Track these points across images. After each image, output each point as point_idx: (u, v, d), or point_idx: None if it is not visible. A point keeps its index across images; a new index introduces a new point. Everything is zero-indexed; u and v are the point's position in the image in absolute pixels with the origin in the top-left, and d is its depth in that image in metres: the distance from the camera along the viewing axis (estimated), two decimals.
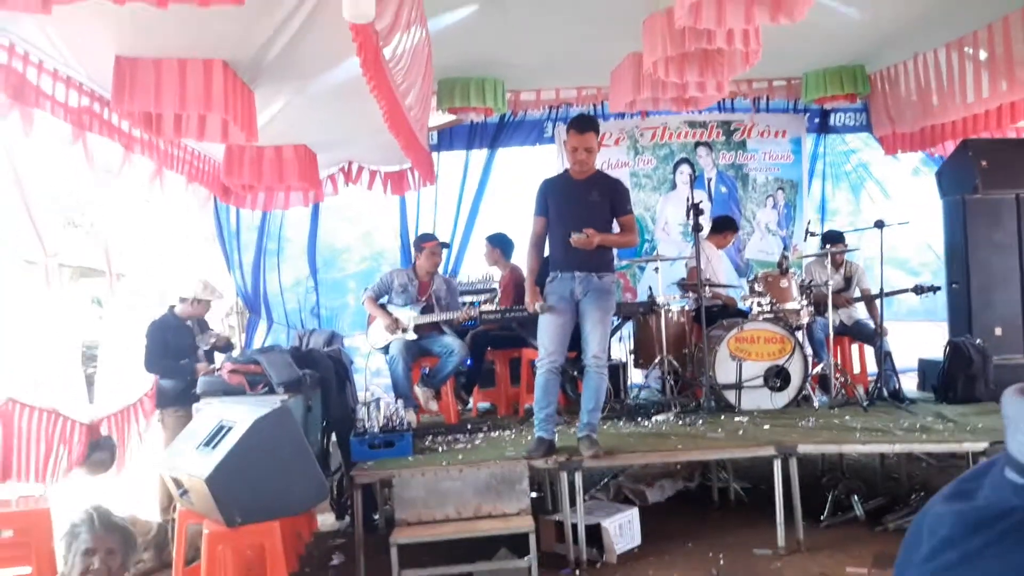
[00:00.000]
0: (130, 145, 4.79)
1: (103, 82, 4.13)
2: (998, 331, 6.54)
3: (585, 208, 4.77)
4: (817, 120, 8.50)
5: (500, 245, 7.12)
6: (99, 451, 4.73)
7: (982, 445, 4.56)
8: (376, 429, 4.90)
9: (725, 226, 7.27)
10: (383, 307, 6.31)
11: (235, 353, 5.74)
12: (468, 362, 6.47)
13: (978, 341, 6.15)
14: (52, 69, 3.96)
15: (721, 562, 4.48)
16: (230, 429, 3.88)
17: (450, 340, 6.07)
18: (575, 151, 4.74)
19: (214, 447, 3.83)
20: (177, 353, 5.43)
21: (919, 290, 6.39)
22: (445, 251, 6.73)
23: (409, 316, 6.19)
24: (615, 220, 4.90)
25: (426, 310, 6.24)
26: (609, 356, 5.69)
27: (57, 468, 4.42)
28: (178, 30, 3.82)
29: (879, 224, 5.92)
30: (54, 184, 5.09)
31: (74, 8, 3.02)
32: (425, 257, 6.40)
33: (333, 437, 5.42)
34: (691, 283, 6.62)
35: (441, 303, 6.34)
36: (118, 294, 5.12)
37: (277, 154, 5.77)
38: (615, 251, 5.14)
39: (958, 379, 6.03)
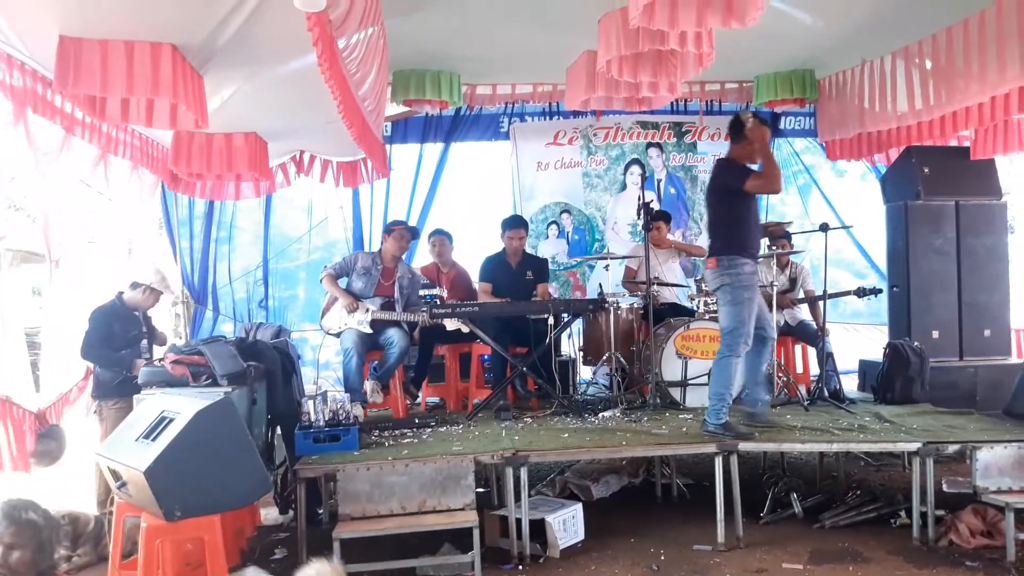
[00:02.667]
0: (72, 128, 4.67)
1: (46, 62, 4.02)
2: (935, 334, 6.74)
3: None
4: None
5: (451, 241, 7.14)
6: (48, 440, 4.62)
7: (915, 445, 4.69)
8: (322, 423, 4.86)
9: (656, 218, 7.29)
10: (342, 288, 6.24)
11: (179, 342, 5.65)
12: (410, 354, 6.44)
13: (916, 344, 6.32)
14: None
15: (662, 557, 4.54)
16: (171, 421, 3.81)
17: (394, 333, 6.04)
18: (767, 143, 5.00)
19: (154, 439, 3.75)
20: (122, 343, 5.31)
21: (861, 292, 6.55)
22: (413, 240, 6.67)
23: (368, 308, 6.12)
24: None
25: (386, 306, 6.19)
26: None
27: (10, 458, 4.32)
28: (125, 10, 3.74)
29: (824, 227, 6.04)
30: None
31: None
32: (393, 240, 6.37)
33: (278, 430, 5.36)
34: (638, 282, 6.70)
35: (404, 291, 6.30)
36: (56, 280, 4.98)
37: (227, 142, 5.67)
38: None
39: (896, 380, 6.19)
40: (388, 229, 6.56)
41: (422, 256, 7.98)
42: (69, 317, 5.25)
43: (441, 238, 7.14)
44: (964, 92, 5.65)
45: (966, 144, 7.14)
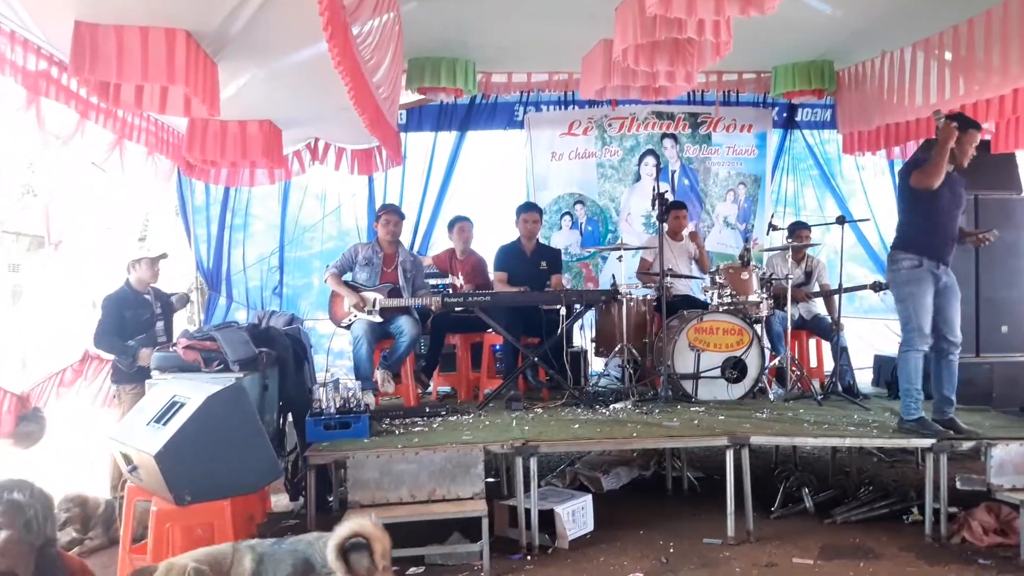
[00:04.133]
0: (87, 112, 4.69)
1: (62, 47, 4.02)
2: None
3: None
4: (785, 115, 8.59)
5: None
6: (27, 423, 4.64)
7: (929, 442, 4.64)
8: (333, 410, 4.87)
9: (671, 207, 7.23)
10: (347, 284, 6.23)
11: (192, 328, 5.67)
12: (421, 341, 6.43)
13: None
14: (9, 31, 3.86)
15: (671, 550, 4.52)
16: (182, 405, 3.84)
17: (403, 321, 6.03)
18: (968, 148, 4.86)
19: (165, 423, 3.79)
20: (134, 328, 5.34)
21: (877, 287, 6.49)
22: (402, 220, 6.62)
23: (376, 297, 6.12)
24: None
25: (393, 292, 6.17)
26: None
27: None
28: None
29: (840, 220, 5.98)
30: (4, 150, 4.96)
31: None
32: (381, 226, 6.36)
33: (290, 417, 5.37)
34: (651, 273, 6.67)
35: (407, 275, 6.28)
36: (55, 261, 5.00)
37: (241, 129, 5.67)
38: None
39: None
40: (376, 216, 6.53)
41: (437, 244, 7.99)
42: (67, 300, 5.28)
43: (467, 223, 7.09)
44: (985, 84, 5.57)
45: (987, 137, 7.05)
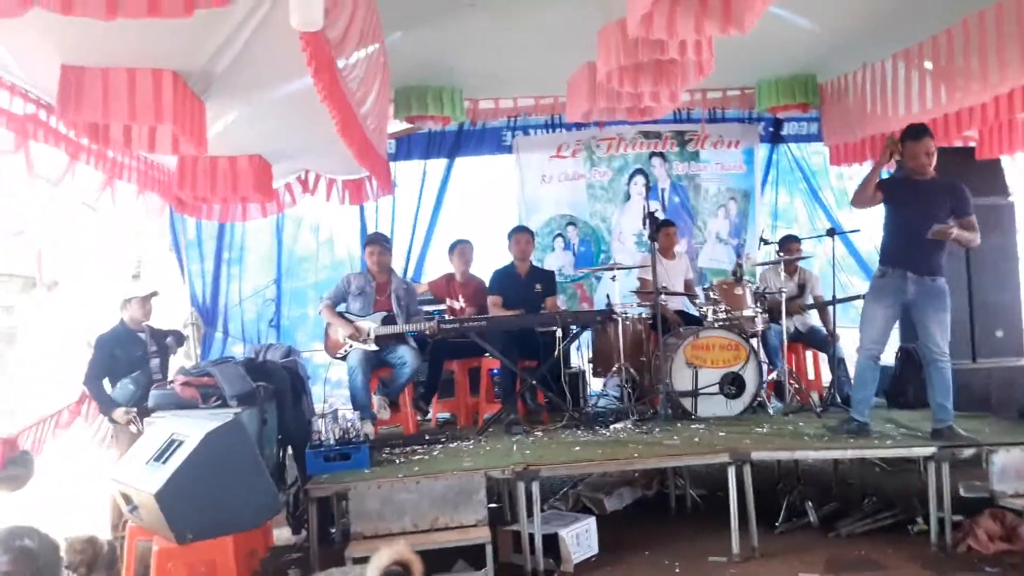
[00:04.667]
0: (76, 154, 4.70)
1: (49, 89, 4.04)
2: None
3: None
4: (771, 130, 8.65)
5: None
6: (15, 466, 4.60)
7: (930, 450, 4.64)
8: (332, 441, 4.85)
9: (661, 225, 7.25)
10: (342, 315, 6.23)
11: (188, 364, 5.66)
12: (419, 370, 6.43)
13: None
14: None
15: (677, 570, 4.50)
16: (181, 443, 3.83)
17: (404, 351, 6.02)
18: (915, 158, 5.01)
19: (164, 462, 3.78)
20: (126, 366, 5.33)
21: None
22: (389, 249, 6.62)
23: (370, 326, 6.11)
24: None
25: (387, 320, 6.17)
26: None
27: None
28: (126, 39, 3.75)
29: (831, 232, 6.02)
30: None
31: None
32: (368, 256, 6.38)
33: (289, 450, 5.35)
34: (646, 292, 6.68)
35: (401, 303, 6.28)
36: (48, 302, 5.01)
37: (231, 165, 5.69)
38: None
39: (909, 385, 6.14)
40: (364, 246, 6.53)
41: (430, 270, 8.00)
42: (62, 340, 5.27)
43: (468, 246, 7.08)
44: (966, 92, 5.63)
45: (971, 144, 7.11)
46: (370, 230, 7.97)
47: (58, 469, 5.17)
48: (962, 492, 4.94)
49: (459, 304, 6.68)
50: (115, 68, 3.90)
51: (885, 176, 5.38)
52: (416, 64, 6.50)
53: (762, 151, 8.69)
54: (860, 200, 5.22)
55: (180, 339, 6.00)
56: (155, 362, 5.55)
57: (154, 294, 5.68)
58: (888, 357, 6.73)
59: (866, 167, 7.99)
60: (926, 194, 4.99)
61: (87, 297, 5.64)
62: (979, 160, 6.84)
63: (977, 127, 6.40)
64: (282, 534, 5.37)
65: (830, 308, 6.45)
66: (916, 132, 5.03)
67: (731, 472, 4.66)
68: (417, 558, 2.99)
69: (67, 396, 5.38)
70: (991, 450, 4.53)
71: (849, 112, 7.27)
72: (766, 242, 6.91)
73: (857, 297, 6.69)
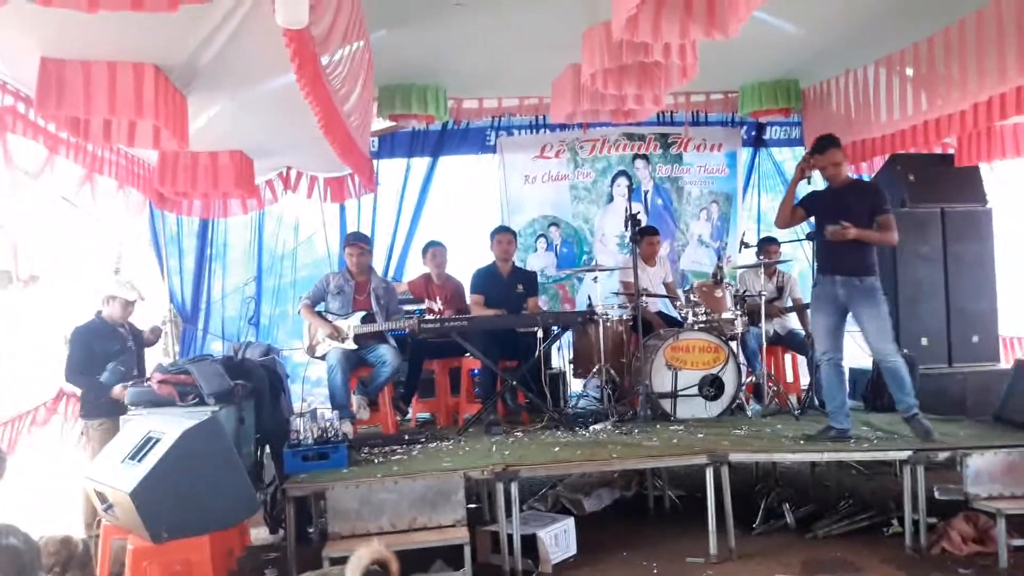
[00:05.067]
0: (55, 147, 4.65)
1: (27, 81, 4.00)
2: (924, 341, 6.74)
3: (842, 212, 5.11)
4: (753, 134, 8.70)
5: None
6: None
7: (906, 453, 4.69)
8: (311, 441, 4.82)
9: (644, 232, 7.28)
10: (320, 315, 6.19)
11: (166, 361, 5.61)
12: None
13: (905, 351, 6.31)
14: None
15: (655, 570, 4.51)
16: (157, 441, 3.80)
17: (384, 350, 6.00)
18: (825, 169, 5.22)
19: (140, 460, 3.74)
20: (104, 360, 5.27)
21: None
22: (369, 249, 6.59)
23: (349, 325, 6.09)
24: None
25: (366, 319, 6.14)
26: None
27: None
28: (107, 32, 3.71)
29: (810, 236, 6.05)
30: None
31: None
32: (347, 256, 6.35)
33: (267, 449, 5.32)
34: (628, 293, 6.70)
35: (380, 302, 6.25)
36: (26, 298, 4.94)
37: (212, 160, 5.66)
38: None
39: (886, 388, 6.17)
40: (343, 246, 6.48)
41: (411, 269, 7.98)
42: (40, 337, 5.21)
43: (441, 248, 7.10)
44: (946, 99, 5.69)
45: (951, 151, 7.18)
46: (351, 228, 7.95)
47: (30, 468, 5.10)
48: (937, 495, 4.99)
49: (437, 305, 6.67)
50: (96, 61, 3.86)
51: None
52: (400, 62, 6.48)
53: (744, 155, 8.74)
54: (781, 220, 5.48)
55: (158, 332, 5.96)
56: (133, 356, 5.51)
57: (140, 299, 5.62)
58: (866, 361, 6.80)
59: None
60: (843, 200, 5.14)
61: (65, 292, 5.57)
62: (958, 167, 6.91)
63: (956, 134, 6.46)
64: (259, 533, 5.34)
65: (808, 311, 6.48)
66: (821, 146, 5.21)
67: (709, 473, 4.68)
68: (393, 556, 2.98)
69: (43, 392, 5.31)
70: (966, 453, 4.58)
71: (831, 117, 7.32)
72: (747, 245, 6.95)
73: None
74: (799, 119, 8.13)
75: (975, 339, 6.77)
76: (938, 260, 6.81)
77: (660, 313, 7.14)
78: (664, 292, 7.13)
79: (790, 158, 8.72)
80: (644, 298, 6.40)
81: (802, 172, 5.31)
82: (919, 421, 4.91)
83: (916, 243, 6.82)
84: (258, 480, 5.09)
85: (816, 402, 6.11)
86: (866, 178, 7.95)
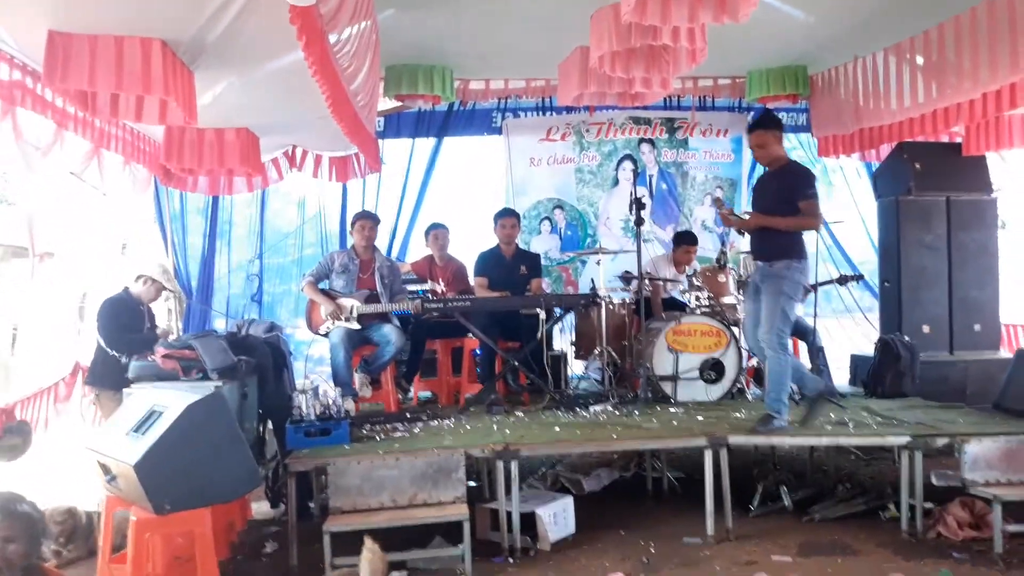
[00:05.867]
0: (64, 122, 4.66)
1: (36, 56, 4.01)
2: (926, 329, 6.76)
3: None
4: None
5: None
6: (12, 435, 4.59)
7: (904, 439, 4.71)
8: (313, 417, 4.86)
9: (681, 240, 7.30)
10: (325, 292, 6.22)
11: (171, 338, 5.64)
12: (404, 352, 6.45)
13: (907, 338, 6.34)
14: None
15: (652, 550, 4.55)
16: (161, 415, 3.82)
17: (388, 330, 6.03)
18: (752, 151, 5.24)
19: (144, 432, 3.76)
20: (129, 333, 5.30)
21: (843, 280, 6.58)
22: (377, 226, 6.60)
23: (353, 304, 6.11)
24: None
25: (370, 299, 6.17)
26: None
27: None
28: (115, 5, 3.73)
29: None
30: None
31: None
32: (356, 233, 6.35)
33: (270, 425, 5.36)
34: (632, 276, 6.71)
35: (385, 281, 6.27)
36: (41, 273, 4.97)
37: (218, 137, 5.67)
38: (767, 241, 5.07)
39: (887, 375, 6.21)
40: (351, 223, 6.50)
41: (415, 250, 8.00)
42: (55, 311, 5.24)
43: (443, 231, 7.13)
44: (956, 88, 5.67)
45: (958, 140, 7.17)
46: (353, 208, 7.95)
47: (56, 441, 5.16)
48: (934, 480, 5.03)
49: (440, 287, 6.69)
50: (103, 36, 3.87)
51: None
52: (408, 42, 6.47)
53: None
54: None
55: (165, 335, 5.96)
56: (154, 336, 5.53)
57: (173, 292, 5.63)
58: (867, 347, 6.83)
59: (854, 158, 8.09)
60: (767, 185, 5.14)
61: (78, 268, 5.59)
62: (965, 156, 6.90)
63: (965, 123, 6.44)
64: (261, 508, 5.40)
65: (810, 297, 6.49)
66: (749, 126, 5.23)
67: (708, 456, 4.71)
68: (384, 565, 3.03)
69: (60, 368, 5.35)
70: (964, 440, 4.60)
71: (839, 104, 7.30)
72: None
73: (830, 282, 6.67)
74: (806, 106, 8.09)
75: (977, 327, 6.79)
76: (942, 248, 6.83)
77: (670, 298, 7.12)
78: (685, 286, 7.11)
79: (797, 145, 8.70)
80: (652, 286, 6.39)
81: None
82: (771, 426, 4.89)
83: (921, 231, 6.85)
84: (260, 455, 5.12)
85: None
86: (874, 166, 7.96)
